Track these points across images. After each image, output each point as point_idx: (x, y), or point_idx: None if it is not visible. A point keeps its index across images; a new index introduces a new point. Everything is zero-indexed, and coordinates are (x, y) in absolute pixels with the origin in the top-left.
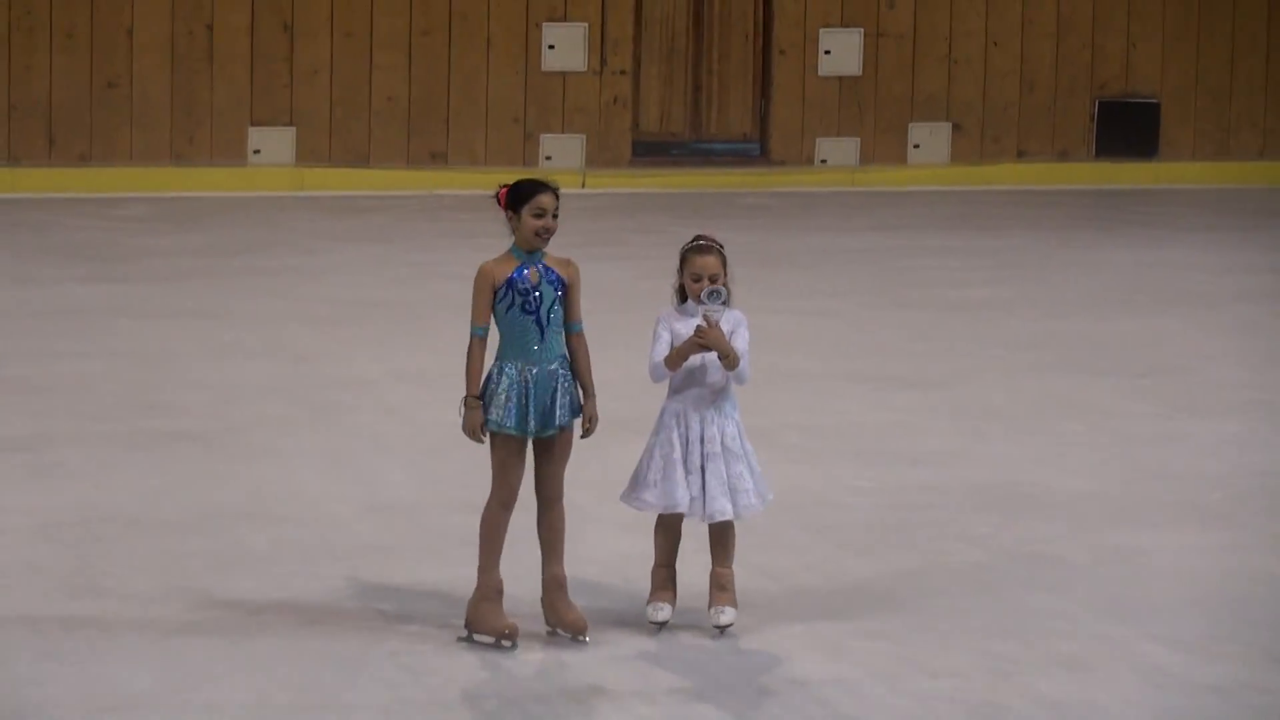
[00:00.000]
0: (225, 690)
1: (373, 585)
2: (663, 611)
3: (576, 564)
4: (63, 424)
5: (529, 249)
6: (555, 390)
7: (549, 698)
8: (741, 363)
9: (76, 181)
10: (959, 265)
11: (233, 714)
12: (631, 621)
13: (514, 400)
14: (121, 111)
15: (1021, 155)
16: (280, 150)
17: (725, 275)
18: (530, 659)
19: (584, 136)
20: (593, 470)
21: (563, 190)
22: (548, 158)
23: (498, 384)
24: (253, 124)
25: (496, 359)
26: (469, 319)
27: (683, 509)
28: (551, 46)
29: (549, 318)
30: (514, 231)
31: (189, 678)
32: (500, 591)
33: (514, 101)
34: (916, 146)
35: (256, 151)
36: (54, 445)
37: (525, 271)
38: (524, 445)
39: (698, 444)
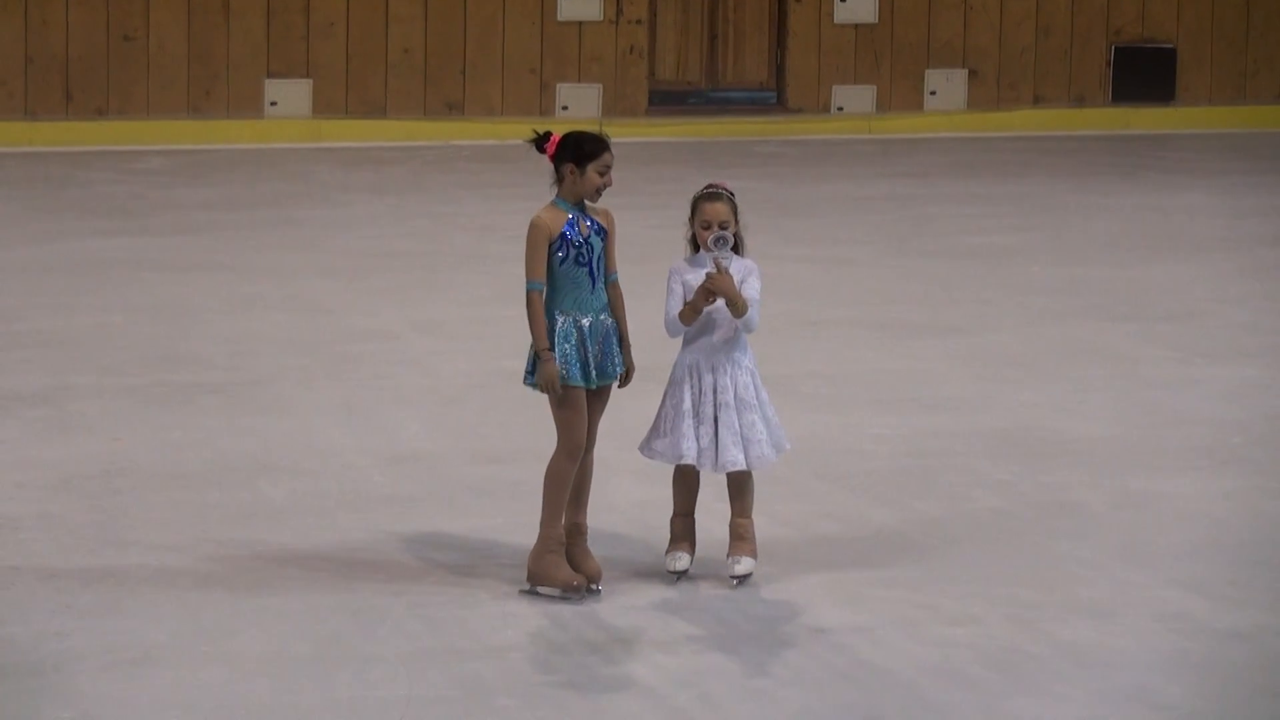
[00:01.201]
0: (244, 642)
1: (392, 537)
2: (680, 561)
3: (596, 513)
4: (83, 378)
5: (578, 202)
6: (608, 341)
7: (568, 647)
8: (751, 310)
9: (94, 135)
10: (976, 212)
11: (252, 666)
12: (651, 571)
13: (574, 351)
14: (138, 65)
15: (1038, 101)
16: (297, 102)
17: (736, 222)
18: (549, 609)
19: (600, 86)
20: (611, 420)
21: None
22: (564, 108)
23: (556, 335)
24: (269, 76)
25: (548, 311)
26: (491, 271)
27: (689, 460)
28: None
29: (598, 267)
30: (563, 183)
31: (208, 630)
32: (563, 543)
33: (530, 51)
34: (933, 93)
35: (273, 104)
36: (74, 398)
37: (577, 225)
38: (586, 396)
39: (710, 394)
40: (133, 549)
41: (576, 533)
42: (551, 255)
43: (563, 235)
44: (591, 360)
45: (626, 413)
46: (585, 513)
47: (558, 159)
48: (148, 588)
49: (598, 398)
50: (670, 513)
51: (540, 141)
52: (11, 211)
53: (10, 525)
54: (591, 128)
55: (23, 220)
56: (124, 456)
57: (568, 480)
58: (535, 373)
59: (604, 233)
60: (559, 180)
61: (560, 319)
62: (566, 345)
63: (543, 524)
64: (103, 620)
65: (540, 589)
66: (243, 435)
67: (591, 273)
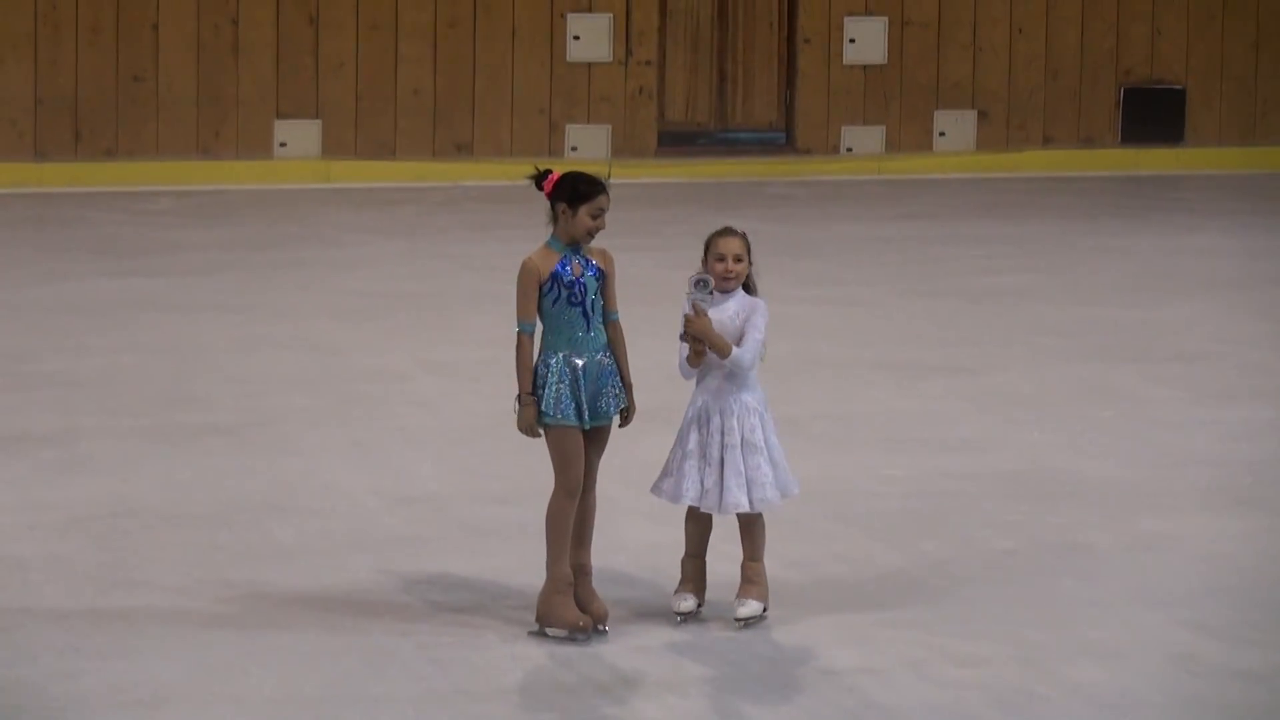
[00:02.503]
0: (254, 683)
1: (401, 577)
2: (686, 602)
3: (606, 553)
4: (92, 418)
5: (572, 243)
6: (604, 380)
7: (578, 689)
8: (741, 351)
9: (103, 176)
10: (986, 253)
11: (261, 707)
12: (660, 612)
13: (567, 391)
14: (147, 106)
15: (1047, 142)
16: (306, 143)
17: (750, 261)
18: (558, 651)
19: (609, 127)
20: (622, 460)
21: None
22: (573, 148)
23: (549, 376)
24: (279, 117)
25: (543, 351)
26: (499, 311)
27: (688, 501)
28: (577, 37)
29: (593, 308)
30: (557, 222)
31: (217, 671)
32: (571, 584)
33: (539, 92)
34: (942, 134)
35: (283, 144)
36: (83, 439)
37: (569, 265)
38: (581, 435)
39: (718, 435)
40: (142, 590)
41: (581, 573)
42: (543, 296)
43: (554, 275)
44: (585, 401)
45: (638, 453)
46: (589, 552)
47: (554, 197)
48: (157, 628)
49: (596, 438)
50: (682, 553)
51: (540, 179)
52: (21, 252)
53: (20, 566)
54: (600, 167)
55: (32, 261)
56: (133, 497)
57: (568, 519)
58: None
59: (600, 274)
60: (554, 219)
61: (554, 359)
62: (561, 385)
63: (549, 565)
64: (112, 661)
65: (548, 630)
66: (251, 476)
67: (585, 313)
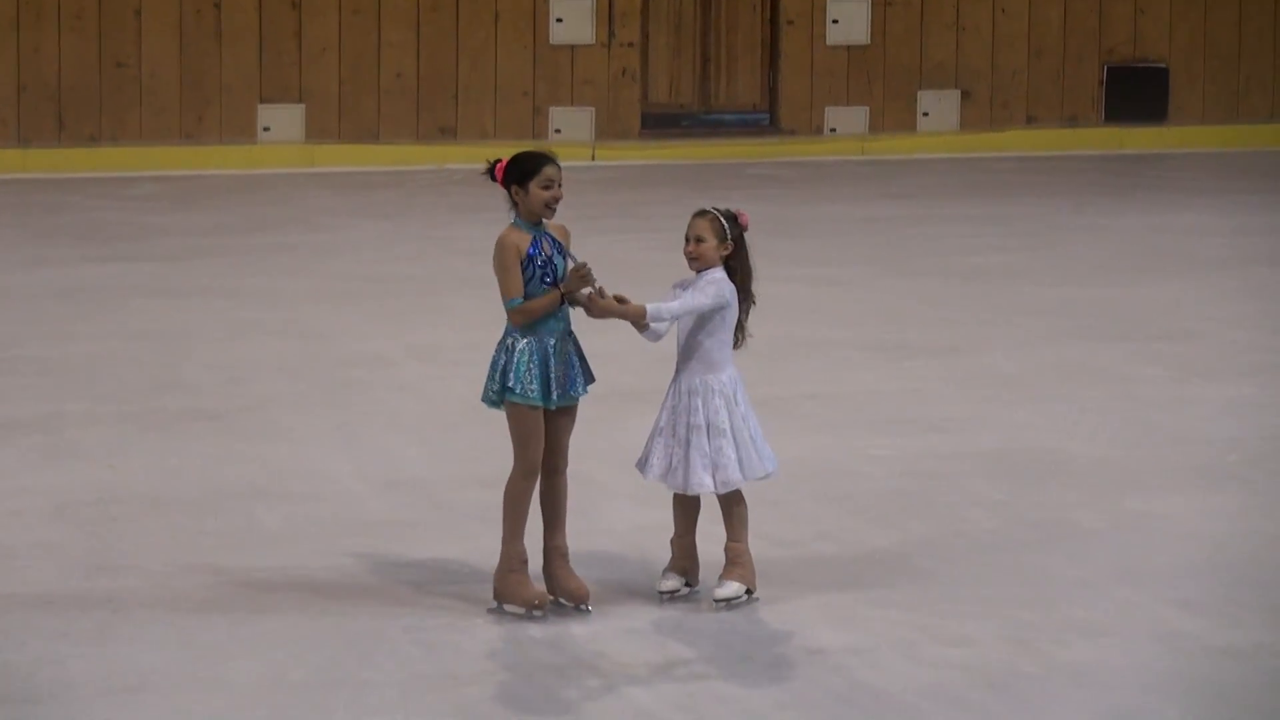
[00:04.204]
0: (241, 668)
1: (388, 561)
2: (669, 581)
3: (592, 536)
4: (77, 404)
5: (535, 221)
6: (571, 360)
7: (565, 670)
8: (665, 308)
9: (87, 161)
10: (970, 233)
11: (248, 692)
12: (647, 594)
13: (537, 371)
14: (131, 91)
15: (1031, 121)
16: (290, 127)
17: (722, 241)
18: (545, 633)
19: (593, 109)
20: (607, 443)
21: (573, 164)
22: (557, 131)
23: (517, 353)
24: (262, 101)
25: (507, 330)
26: (485, 295)
27: (653, 477)
28: (559, 20)
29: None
30: (517, 205)
31: (204, 656)
32: (525, 562)
33: (523, 75)
34: (925, 114)
35: (266, 129)
36: (69, 425)
37: (540, 244)
38: (542, 416)
39: (684, 414)
40: (128, 575)
41: (557, 554)
42: (527, 271)
43: (529, 255)
44: (554, 381)
45: (623, 436)
46: (563, 534)
47: (506, 183)
48: (144, 614)
49: (563, 418)
50: (671, 534)
51: (490, 170)
52: (4, 238)
53: (6, 553)
54: (584, 150)
55: (16, 247)
56: (119, 483)
57: (525, 499)
58: (565, 287)
59: (564, 251)
60: (513, 205)
61: (525, 339)
62: (531, 364)
63: (504, 542)
64: (99, 647)
65: (506, 607)
66: (238, 461)
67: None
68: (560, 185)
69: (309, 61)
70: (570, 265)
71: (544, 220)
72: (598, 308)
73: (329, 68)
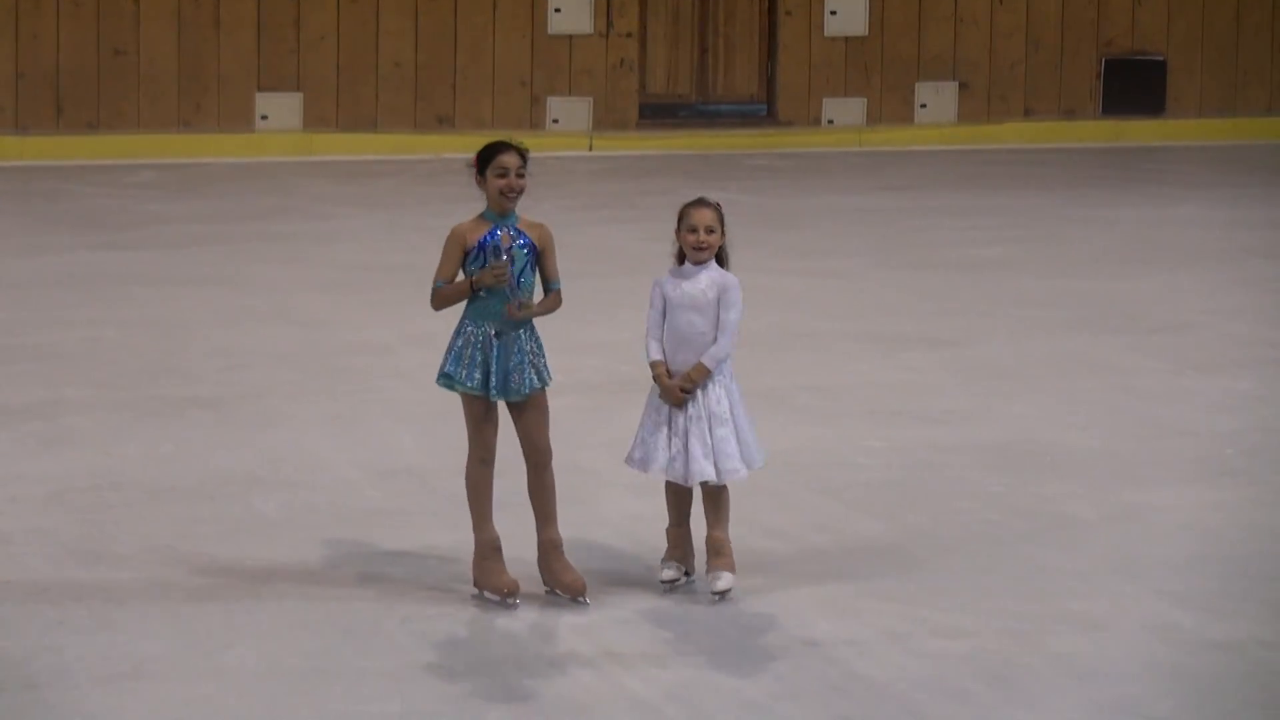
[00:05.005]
0: (237, 656)
1: (384, 551)
2: (670, 570)
3: (588, 526)
4: (74, 391)
5: (500, 211)
6: (519, 358)
7: (561, 661)
8: (721, 347)
9: (85, 149)
10: (967, 225)
11: (245, 680)
12: (641, 584)
13: (477, 360)
14: (129, 79)
15: (1028, 114)
16: (288, 116)
17: (722, 234)
18: (541, 623)
19: (591, 99)
20: (604, 433)
21: (570, 154)
22: (555, 121)
23: (460, 339)
24: (260, 90)
25: (462, 318)
26: None
27: (657, 469)
28: (558, 10)
29: (518, 281)
30: (485, 195)
31: (200, 644)
32: (497, 548)
33: (520, 65)
34: (923, 106)
35: (264, 117)
36: (66, 413)
37: (498, 233)
38: (491, 405)
39: (684, 405)
40: (125, 563)
41: (551, 547)
42: (470, 264)
43: (480, 244)
44: (494, 373)
45: (618, 427)
46: (555, 527)
47: (477, 173)
48: (140, 602)
49: (530, 412)
50: (666, 524)
51: (470, 161)
52: (2, 226)
53: (2, 540)
54: (582, 140)
55: (13, 234)
56: (115, 470)
57: (483, 485)
58: (479, 280)
59: (532, 247)
60: (483, 193)
61: (470, 327)
62: (472, 351)
63: (474, 530)
64: (95, 635)
65: (485, 594)
66: (234, 449)
67: (511, 283)
68: (519, 175)
69: (307, 50)
70: (497, 261)
71: (515, 214)
72: (514, 317)
73: (327, 56)
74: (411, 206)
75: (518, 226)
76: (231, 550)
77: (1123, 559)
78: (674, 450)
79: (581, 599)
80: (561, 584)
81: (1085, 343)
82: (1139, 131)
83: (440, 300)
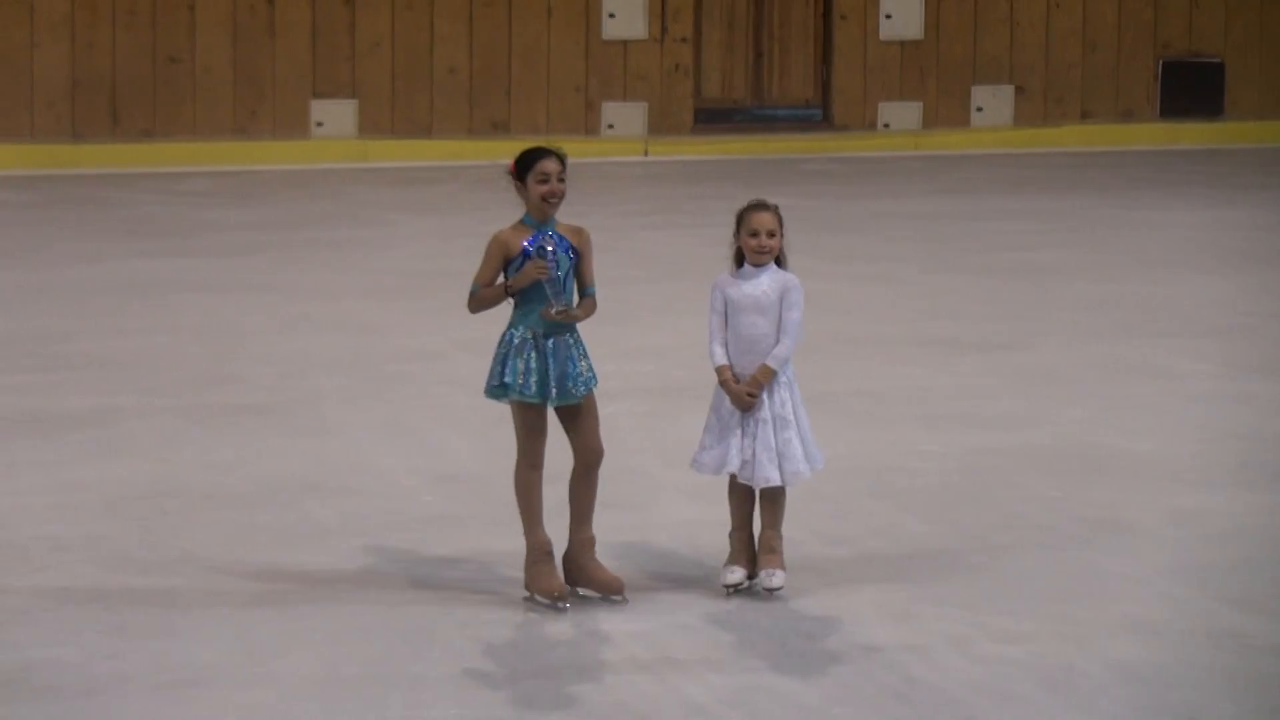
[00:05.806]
0: (294, 663)
1: (440, 556)
2: (734, 574)
3: (646, 530)
4: (130, 399)
5: (540, 217)
6: (571, 359)
7: (618, 666)
8: (785, 347)
9: (140, 157)
10: (1023, 228)
11: (302, 686)
12: (701, 588)
13: (533, 366)
14: (184, 86)
15: (1085, 117)
16: (343, 122)
17: (781, 235)
18: (597, 628)
19: (646, 104)
20: (660, 437)
21: (625, 159)
22: (610, 126)
23: (513, 348)
24: (315, 97)
25: (510, 325)
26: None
27: (732, 469)
28: (612, 15)
29: (564, 285)
30: (525, 201)
31: (257, 650)
32: (549, 552)
33: (575, 70)
34: (979, 109)
35: (319, 124)
36: (122, 420)
37: (539, 239)
38: (544, 410)
39: (752, 408)
40: (181, 570)
41: (588, 546)
42: (511, 271)
43: (523, 251)
44: (552, 378)
45: (675, 431)
46: (590, 526)
47: (516, 179)
48: (197, 608)
49: (582, 417)
50: (726, 529)
51: (509, 167)
52: (58, 233)
53: (59, 547)
54: (637, 145)
55: (69, 242)
56: (172, 477)
57: (533, 489)
58: (518, 277)
59: (575, 251)
60: (522, 199)
61: (519, 333)
62: (527, 359)
63: (525, 535)
64: (153, 641)
65: (537, 597)
66: (290, 456)
67: (556, 288)
68: (561, 180)
69: (361, 56)
70: (540, 258)
71: (554, 219)
72: (550, 319)
73: (382, 62)
74: (466, 212)
75: (557, 231)
76: (288, 556)
77: (1179, 564)
78: (746, 454)
79: (617, 597)
80: (596, 582)
81: (1140, 347)
82: (1197, 134)
83: (477, 303)
